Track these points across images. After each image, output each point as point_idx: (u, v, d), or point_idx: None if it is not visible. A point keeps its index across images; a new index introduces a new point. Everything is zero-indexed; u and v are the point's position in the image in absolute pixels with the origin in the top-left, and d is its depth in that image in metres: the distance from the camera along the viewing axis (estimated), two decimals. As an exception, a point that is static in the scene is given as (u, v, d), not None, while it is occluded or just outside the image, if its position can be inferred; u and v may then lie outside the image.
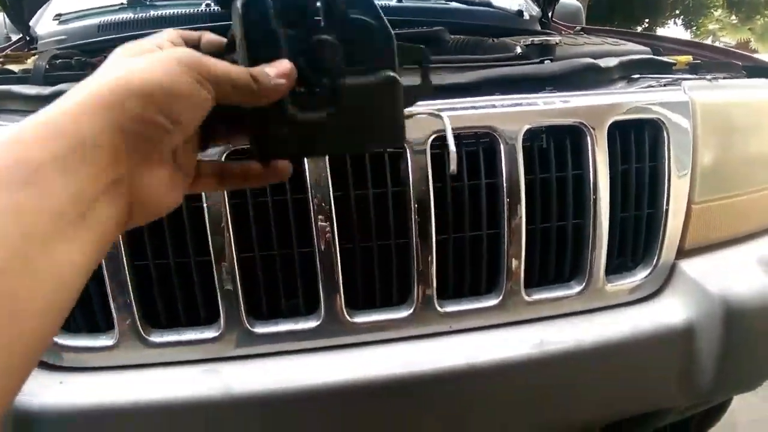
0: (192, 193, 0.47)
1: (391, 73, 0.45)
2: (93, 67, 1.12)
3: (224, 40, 0.47)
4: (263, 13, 0.42)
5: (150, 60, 0.39)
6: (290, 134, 0.44)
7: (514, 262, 0.98)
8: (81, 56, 1.19)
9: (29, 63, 1.23)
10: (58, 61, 1.12)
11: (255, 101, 0.42)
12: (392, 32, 0.45)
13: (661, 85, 1.15)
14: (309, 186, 0.88)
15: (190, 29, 0.49)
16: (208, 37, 0.49)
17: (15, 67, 1.20)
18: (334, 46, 0.44)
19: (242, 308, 0.89)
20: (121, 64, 0.40)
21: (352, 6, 0.45)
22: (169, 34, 0.46)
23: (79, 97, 0.36)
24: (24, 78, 1.08)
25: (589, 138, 1.00)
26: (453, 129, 0.94)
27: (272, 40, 0.43)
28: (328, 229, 0.89)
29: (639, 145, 1.06)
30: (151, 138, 0.38)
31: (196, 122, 0.40)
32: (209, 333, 0.89)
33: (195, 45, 0.47)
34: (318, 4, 0.44)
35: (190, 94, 0.39)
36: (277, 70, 0.42)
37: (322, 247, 0.89)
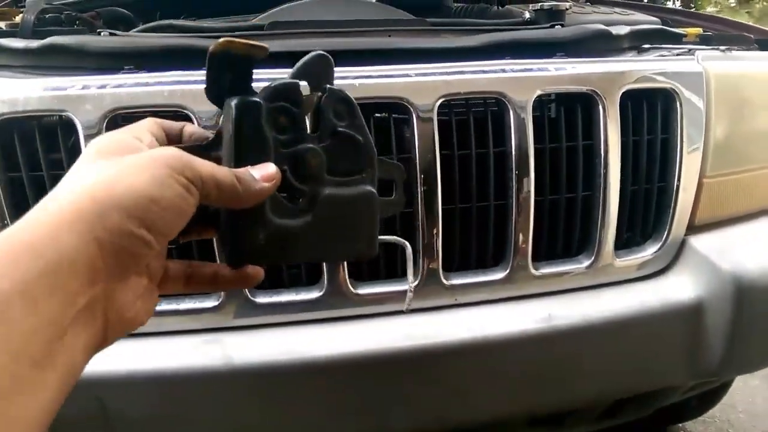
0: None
1: (370, 188, 0.46)
2: (83, 21, 1.07)
3: (207, 133, 0.46)
4: (256, 116, 0.42)
5: (134, 164, 0.35)
6: (265, 240, 0.43)
7: (522, 235, 0.95)
8: (71, 11, 1.13)
9: (17, 20, 1.18)
10: (47, 16, 1.06)
11: (237, 204, 0.40)
12: (374, 149, 0.47)
13: (673, 55, 1.11)
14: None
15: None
16: (191, 129, 0.46)
17: (2, 24, 1.14)
18: (319, 156, 0.44)
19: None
20: (100, 169, 0.35)
21: (341, 119, 0.46)
22: (149, 124, 0.43)
23: (55, 208, 0.33)
24: (12, 33, 1.03)
25: (600, 107, 0.96)
26: (461, 93, 0.90)
27: (261, 143, 0.42)
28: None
29: (651, 116, 1.03)
30: (133, 253, 0.35)
31: (179, 229, 0.37)
32: (209, 302, 0.86)
33: (177, 136, 0.45)
34: (308, 114, 0.45)
35: (178, 204, 0.36)
36: (263, 173, 0.41)
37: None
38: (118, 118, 0.81)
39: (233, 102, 0.42)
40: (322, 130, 0.45)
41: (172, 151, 0.37)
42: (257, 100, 0.42)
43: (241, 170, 0.40)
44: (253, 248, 0.43)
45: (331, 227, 0.45)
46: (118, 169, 0.35)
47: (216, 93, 0.43)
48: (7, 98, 0.81)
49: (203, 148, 0.42)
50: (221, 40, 0.41)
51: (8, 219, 0.82)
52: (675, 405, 1.55)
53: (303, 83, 0.44)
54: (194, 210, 0.37)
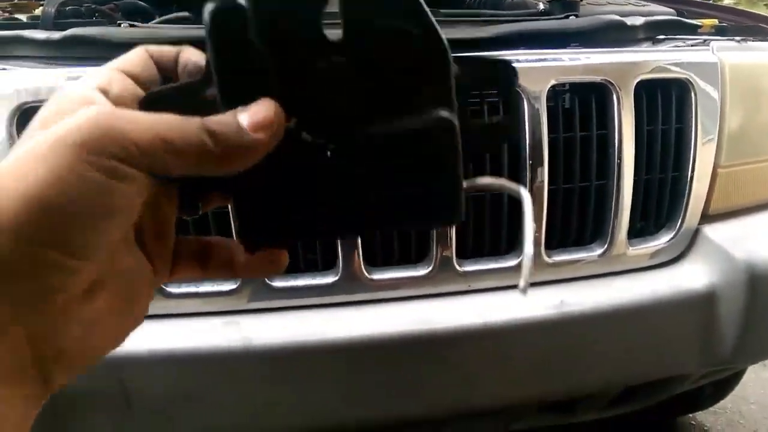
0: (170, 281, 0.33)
1: (445, 113, 0.29)
2: (102, 13, 1.09)
3: (203, 62, 0.31)
4: (241, 26, 0.27)
5: (31, 154, 0.25)
6: (285, 210, 0.30)
7: (535, 223, 0.96)
8: (90, 3, 1.16)
9: (37, 12, 1.20)
10: (67, 8, 1.09)
11: (218, 167, 0.27)
12: (447, 45, 0.29)
13: (688, 46, 1.12)
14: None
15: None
16: (188, 55, 0.32)
17: (22, 16, 1.17)
18: (352, 77, 0.29)
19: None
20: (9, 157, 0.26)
21: (381, 6, 0.28)
22: (135, 58, 0.31)
23: None
24: (33, 25, 1.05)
25: (615, 96, 0.97)
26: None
27: (256, 67, 0.28)
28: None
29: (665, 105, 1.03)
30: (43, 282, 0.25)
31: (123, 230, 0.27)
32: (227, 285, 0.88)
33: (172, 67, 0.33)
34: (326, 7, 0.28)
35: (98, 201, 0.25)
36: (253, 118, 0.27)
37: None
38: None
39: (207, 7, 0.28)
40: (354, 31, 0.28)
41: (88, 120, 0.25)
42: (240, 1, 0.27)
43: (213, 119, 0.27)
44: (269, 223, 0.31)
45: (382, 184, 0.30)
46: (8, 164, 0.25)
47: None
48: (30, 88, 0.83)
49: (196, 86, 0.30)
50: None
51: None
52: (686, 395, 1.56)
53: None
54: (140, 199, 0.27)
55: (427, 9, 0.28)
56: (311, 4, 0.28)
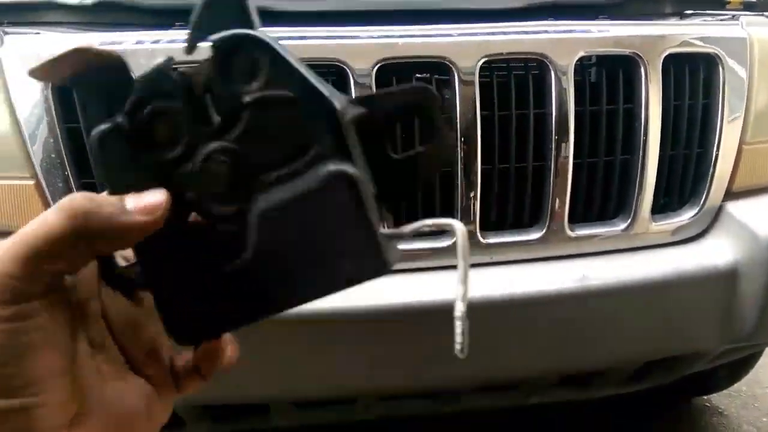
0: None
1: (334, 167, 0.27)
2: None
3: None
4: (120, 147, 0.29)
5: None
6: (202, 299, 0.30)
7: (559, 197, 0.96)
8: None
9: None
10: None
11: (102, 247, 0.28)
12: (329, 96, 0.28)
13: (717, 20, 1.10)
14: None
15: None
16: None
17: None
18: (237, 153, 0.28)
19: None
20: None
21: (254, 77, 0.28)
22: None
23: None
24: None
25: (642, 70, 0.96)
26: (503, 54, 0.91)
27: (142, 175, 0.29)
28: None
29: (693, 81, 1.02)
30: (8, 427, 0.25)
31: (56, 354, 0.27)
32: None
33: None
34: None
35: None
36: (138, 203, 0.28)
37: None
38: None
39: (92, 134, 0.29)
40: (223, 110, 0.28)
41: None
42: (113, 124, 0.28)
43: (99, 198, 0.27)
44: (190, 316, 0.30)
45: (291, 254, 0.29)
46: None
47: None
48: (63, 53, 0.84)
49: None
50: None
51: (68, 167, 0.85)
52: (701, 377, 1.56)
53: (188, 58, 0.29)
54: (50, 330, 0.26)
55: (301, 67, 0.28)
56: (191, 91, 0.28)
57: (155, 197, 0.28)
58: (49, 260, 0.26)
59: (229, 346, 0.32)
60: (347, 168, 0.27)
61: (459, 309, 0.28)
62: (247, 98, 0.28)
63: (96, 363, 0.30)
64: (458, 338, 0.29)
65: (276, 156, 0.28)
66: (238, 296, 0.29)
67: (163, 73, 0.28)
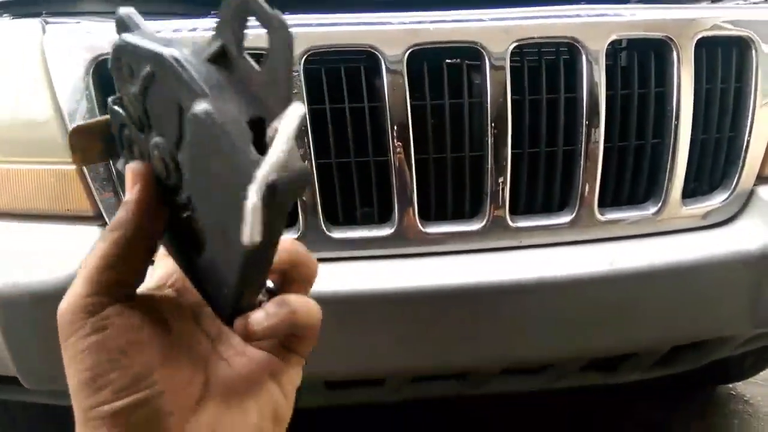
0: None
1: (189, 113, 0.27)
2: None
3: None
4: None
5: None
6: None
7: (589, 181, 0.96)
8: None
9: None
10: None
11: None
12: (158, 50, 0.28)
13: (750, 4, 1.09)
14: (386, 95, 0.88)
15: None
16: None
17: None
18: (160, 147, 0.30)
19: (320, 214, 0.90)
20: None
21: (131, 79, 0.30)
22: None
23: None
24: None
25: (674, 54, 0.96)
26: (535, 38, 0.91)
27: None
28: (403, 138, 0.89)
29: (725, 64, 1.01)
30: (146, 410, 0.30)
31: (154, 340, 0.32)
32: (291, 234, 0.91)
33: None
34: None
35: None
36: (127, 184, 0.32)
37: (397, 157, 0.89)
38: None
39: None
40: (141, 112, 0.31)
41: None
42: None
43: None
44: (214, 296, 0.33)
45: (218, 204, 0.29)
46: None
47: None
48: (104, 41, 0.86)
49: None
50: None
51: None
52: (727, 364, 1.56)
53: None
54: (136, 317, 0.31)
55: (150, 43, 0.29)
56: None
57: (135, 166, 0.31)
58: (105, 272, 0.30)
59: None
60: (196, 106, 0.26)
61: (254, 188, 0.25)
62: (133, 90, 0.30)
63: (217, 351, 0.35)
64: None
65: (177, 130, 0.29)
66: (219, 273, 0.31)
67: (112, 111, 0.33)
